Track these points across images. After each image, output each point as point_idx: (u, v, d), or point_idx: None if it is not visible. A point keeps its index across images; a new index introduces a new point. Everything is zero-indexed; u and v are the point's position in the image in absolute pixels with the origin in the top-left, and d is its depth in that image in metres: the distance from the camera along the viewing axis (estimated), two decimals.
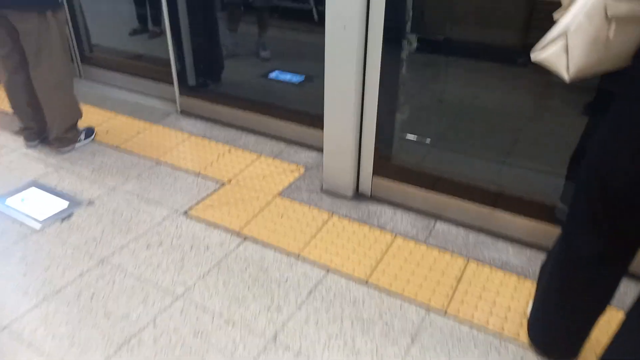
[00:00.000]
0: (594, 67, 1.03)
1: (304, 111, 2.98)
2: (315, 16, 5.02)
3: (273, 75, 3.83)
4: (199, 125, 3.08)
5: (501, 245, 2.12)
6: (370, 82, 2.11)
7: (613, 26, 0.96)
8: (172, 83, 3.16)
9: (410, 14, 2.02)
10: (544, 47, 1.07)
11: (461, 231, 2.20)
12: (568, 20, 1.00)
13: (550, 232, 2.07)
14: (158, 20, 4.54)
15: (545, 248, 2.07)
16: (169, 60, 3.11)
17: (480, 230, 2.19)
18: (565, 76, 1.05)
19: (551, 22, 1.07)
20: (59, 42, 2.48)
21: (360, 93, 2.14)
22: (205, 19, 3.20)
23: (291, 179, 2.56)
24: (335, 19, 2.00)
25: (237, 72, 3.74)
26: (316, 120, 2.85)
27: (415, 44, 2.21)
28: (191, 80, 3.17)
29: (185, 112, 3.18)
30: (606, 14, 0.95)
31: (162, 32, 4.33)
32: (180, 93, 3.14)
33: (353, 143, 2.26)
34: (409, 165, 2.35)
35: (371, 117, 2.18)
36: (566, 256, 1.38)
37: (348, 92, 2.13)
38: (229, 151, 2.80)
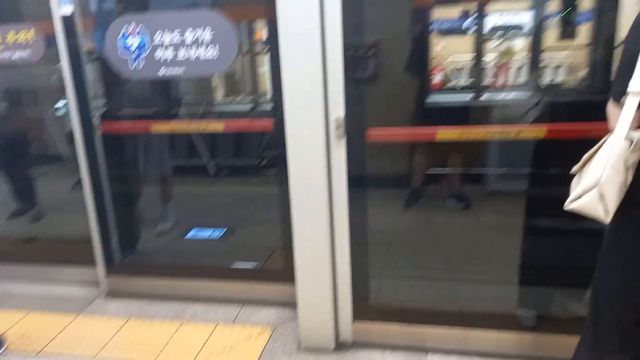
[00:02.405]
0: (619, 203, 1.23)
1: (248, 267, 2.88)
2: (211, 170, 5.10)
3: (191, 234, 3.68)
4: (134, 305, 2.75)
5: None
6: (339, 228, 2.16)
7: (630, 171, 1.20)
8: (91, 263, 2.85)
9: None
10: (578, 198, 1.26)
11: (453, 359, 2.21)
12: (597, 174, 1.21)
13: (525, 340, 2.19)
14: (33, 200, 4.13)
15: (532, 357, 2.17)
16: (80, 238, 2.86)
17: (470, 353, 2.22)
18: (606, 219, 1.24)
19: None
20: None
21: (330, 240, 2.17)
22: (126, 188, 3.06)
23: (262, 344, 2.37)
24: (302, 177, 2.08)
25: (153, 238, 3.52)
26: (264, 274, 2.78)
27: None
28: (117, 257, 2.89)
29: (113, 294, 2.84)
30: (625, 164, 1.18)
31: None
32: (107, 273, 2.83)
33: (329, 292, 2.22)
34: (387, 304, 2.36)
35: (344, 262, 2.20)
36: None
37: (319, 242, 2.15)
38: (180, 328, 2.53)
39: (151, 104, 3.47)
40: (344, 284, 2.23)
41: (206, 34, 2.34)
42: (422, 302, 2.37)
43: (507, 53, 5.36)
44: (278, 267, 2.72)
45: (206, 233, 3.67)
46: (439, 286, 2.59)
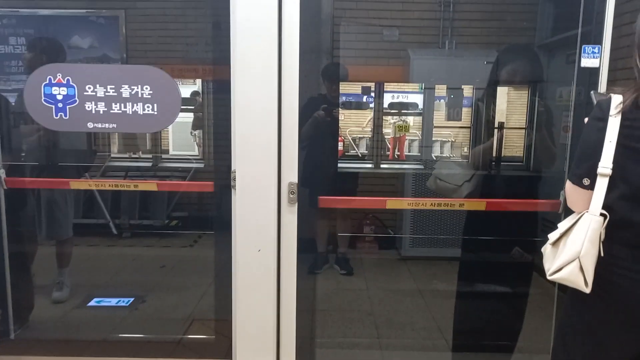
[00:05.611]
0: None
1: (166, 341, 2.63)
2: (114, 230, 4.68)
3: (93, 303, 3.28)
4: None
5: None
6: (286, 297, 2.09)
7: (599, 244, 1.33)
8: None
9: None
10: (560, 270, 1.37)
11: None
12: (577, 247, 1.34)
13: None
14: None
15: None
16: None
17: None
18: (586, 289, 1.35)
19: None
20: None
21: (277, 312, 2.09)
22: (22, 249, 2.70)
23: None
24: (250, 244, 2.01)
25: (47, 308, 3.08)
26: (186, 348, 2.56)
27: None
28: (9, 330, 2.48)
29: None
30: (600, 238, 1.32)
31: None
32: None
33: None
34: None
35: (289, 333, 2.11)
36: None
37: (264, 312, 2.05)
38: None
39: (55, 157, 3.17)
40: (288, 357, 2.12)
41: (145, 90, 2.22)
42: None
43: (402, 128, 5.84)
44: (202, 339, 2.53)
45: (111, 301, 3.30)
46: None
